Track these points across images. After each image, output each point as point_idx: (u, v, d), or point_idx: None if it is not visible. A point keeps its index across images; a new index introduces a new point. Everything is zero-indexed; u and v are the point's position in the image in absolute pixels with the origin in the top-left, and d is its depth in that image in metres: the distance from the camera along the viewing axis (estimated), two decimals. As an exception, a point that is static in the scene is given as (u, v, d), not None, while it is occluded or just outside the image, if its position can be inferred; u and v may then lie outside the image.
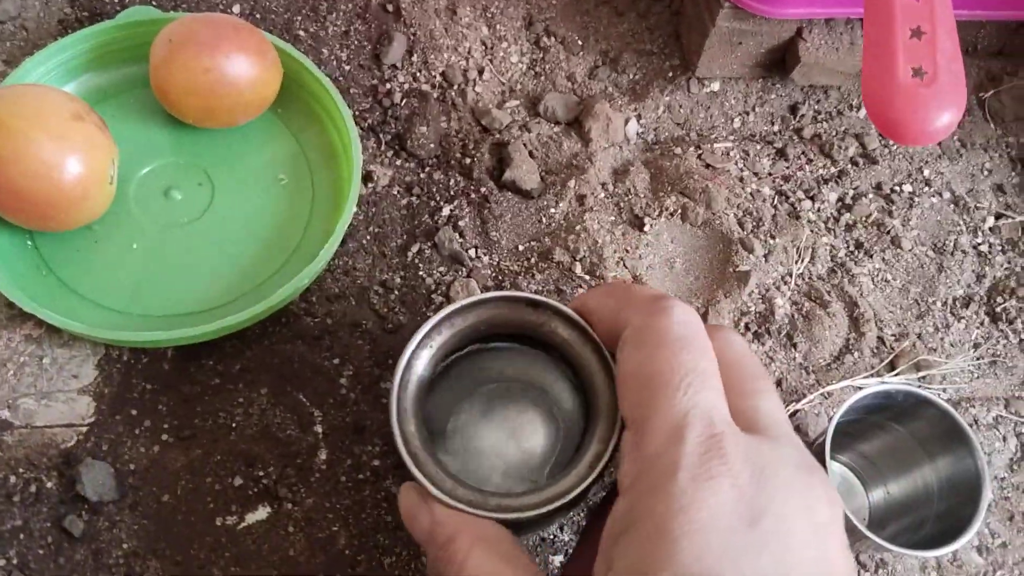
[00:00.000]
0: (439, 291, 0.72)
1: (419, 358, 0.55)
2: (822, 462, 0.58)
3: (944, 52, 0.61)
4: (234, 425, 0.65)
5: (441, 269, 0.73)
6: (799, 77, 0.81)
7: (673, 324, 0.43)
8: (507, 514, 0.48)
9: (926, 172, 0.83)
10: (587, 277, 0.74)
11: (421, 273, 0.72)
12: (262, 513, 0.63)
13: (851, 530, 0.59)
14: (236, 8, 0.81)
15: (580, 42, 0.85)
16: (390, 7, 0.83)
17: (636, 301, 0.46)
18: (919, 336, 0.76)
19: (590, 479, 0.50)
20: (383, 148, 0.78)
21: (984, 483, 0.60)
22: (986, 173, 0.85)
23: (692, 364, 0.41)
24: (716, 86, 0.84)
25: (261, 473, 0.64)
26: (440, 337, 0.56)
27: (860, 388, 0.66)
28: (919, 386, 0.73)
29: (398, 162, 0.78)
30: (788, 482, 0.39)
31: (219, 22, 0.71)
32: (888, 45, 0.61)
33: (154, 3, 0.80)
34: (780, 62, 0.82)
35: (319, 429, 0.66)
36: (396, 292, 0.71)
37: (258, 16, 0.81)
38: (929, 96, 0.61)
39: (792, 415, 0.71)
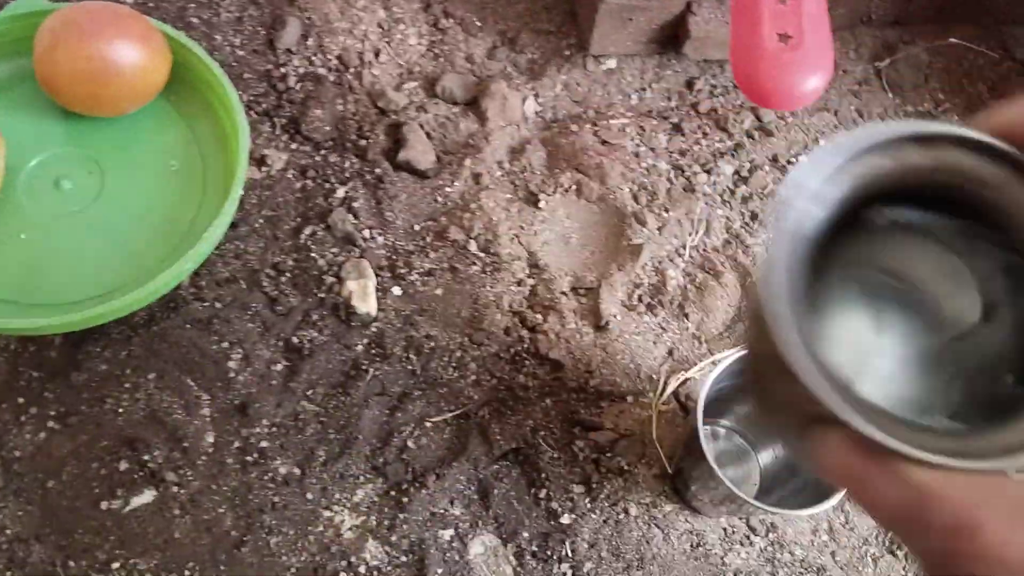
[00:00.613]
0: (331, 272, 0.72)
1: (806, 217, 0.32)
2: (696, 430, 0.59)
3: (810, 17, 0.62)
4: (120, 410, 0.65)
5: (334, 250, 0.73)
6: (691, 52, 0.82)
7: None
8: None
9: (822, 143, 0.84)
10: (482, 254, 0.74)
11: (313, 255, 0.73)
12: (148, 496, 0.63)
13: (730, 497, 0.60)
14: (129, -3, 0.81)
15: (478, 23, 0.86)
16: (284, -8, 0.83)
17: None
18: (813, 304, 0.77)
19: None
20: (278, 132, 0.78)
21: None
22: (883, 142, 0.85)
23: None
24: (612, 63, 0.84)
25: (147, 457, 0.64)
26: (834, 189, 0.32)
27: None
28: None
29: (293, 145, 0.78)
30: None
31: (101, 9, 0.71)
32: (754, 12, 0.62)
33: (45, -6, 0.80)
34: (673, 37, 0.82)
35: (206, 412, 0.66)
36: (287, 274, 0.72)
37: (151, 5, 0.81)
38: (795, 61, 0.61)
39: (683, 383, 0.71)
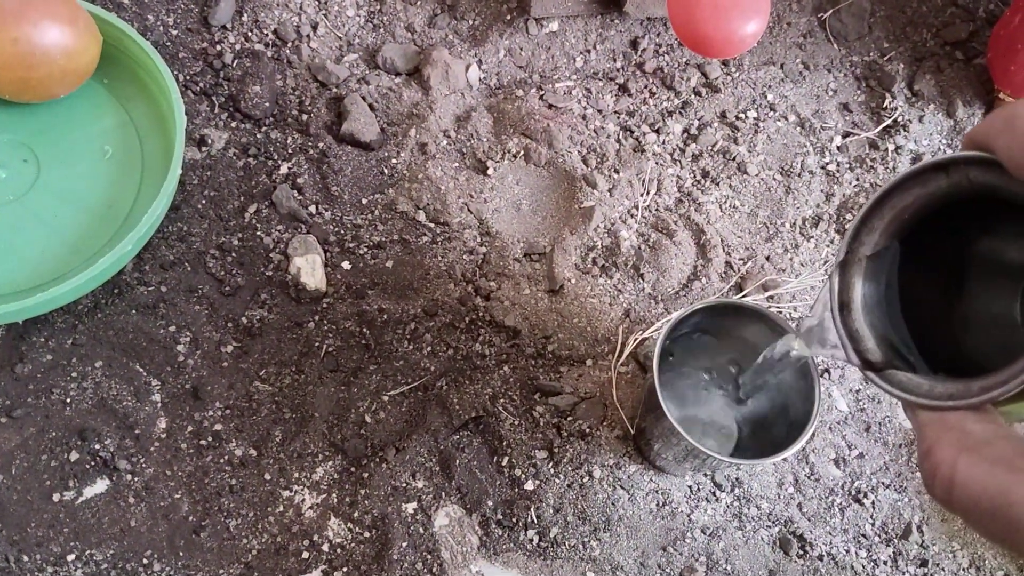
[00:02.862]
0: (277, 250, 0.71)
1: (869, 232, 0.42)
2: (654, 387, 0.59)
3: (747, -35, 0.62)
4: (68, 400, 0.64)
5: (280, 228, 0.72)
6: (633, 9, 0.81)
7: None
8: (995, 391, 0.35)
9: (770, 97, 0.84)
10: (432, 225, 0.73)
11: (259, 234, 0.71)
12: (101, 486, 0.62)
13: (693, 452, 0.59)
14: (56, -20, 0.78)
15: (418, -9, 0.84)
16: (216, -32, 0.81)
17: None
18: (768, 258, 0.77)
19: None
20: (217, 111, 0.76)
21: (815, 388, 0.61)
22: (831, 93, 0.85)
23: None
24: (555, 26, 0.83)
25: (98, 446, 0.62)
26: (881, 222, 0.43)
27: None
28: (767, 305, 0.74)
29: (233, 124, 0.76)
30: None
31: (24, -9, 0.69)
32: (690, -37, 0.61)
33: (-33, -20, 0.77)
34: (613, -3, 0.82)
35: (157, 398, 0.65)
36: (233, 254, 0.70)
37: (79, -14, 0.79)
38: (732, 6, 0.61)
39: (640, 343, 0.71)
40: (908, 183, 0.41)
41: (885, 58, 0.87)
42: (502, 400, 0.67)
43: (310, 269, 0.69)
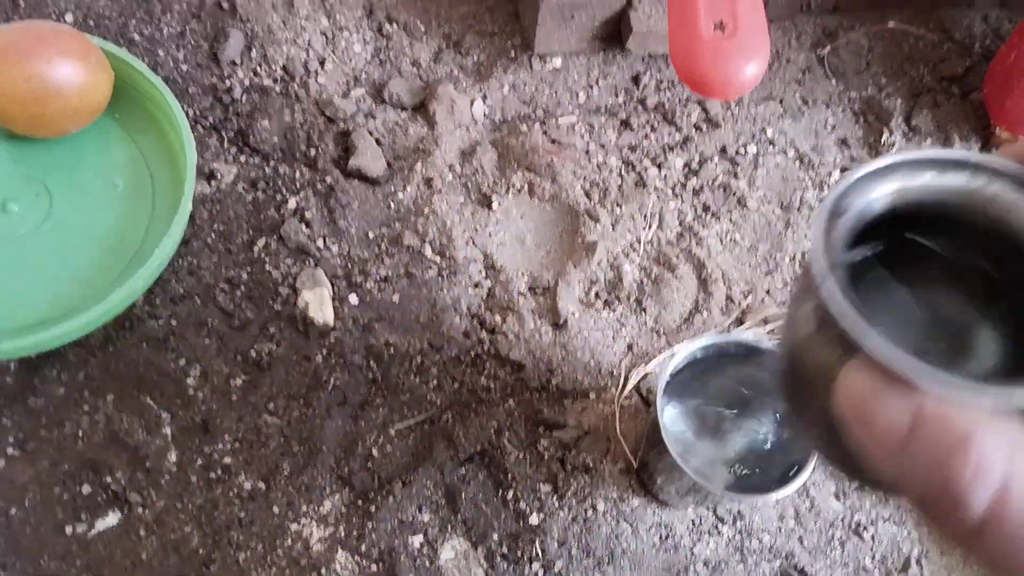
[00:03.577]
0: (286, 283, 0.72)
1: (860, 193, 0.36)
2: (657, 422, 0.60)
3: (744, 4, 0.63)
4: (80, 434, 0.65)
5: (288, 262, 0.73)
6: (635, 47, 0.82)
7: None
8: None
9: (769, 132, 0.85)
10: (437, 258, 0.75)
11: (268, 267, 0.72)
12: (112, 519, 0.63)
13: (695, 487, 0.60)
14: (69, 17, 0.80)
15: (422, 27, 0.86)
16: (225, 5, 0.82)
17: None
18: (768, 292, 0.78)
19: None
20: (226, 145, 0.77)
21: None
22: (830, 128, 0.87)
23: None
24: (558, 62, 0.85)
25: (110, 479, 0.63)
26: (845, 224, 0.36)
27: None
28: (769, 339, 0.75)
29: (242, 158, 0.77)
30: None
31: (38, 28, 0.70)
32: (689, 2, 0.63)
33: (-18, 16, 0.79)
34: (616, 34, 0.83)
35: (168, 431, 0.65)
36: (242, 288, 0.71)
37: (92, 23, 0.80)
38: (732, 48, 0.62)
39: (644, 377, 0.72)
40: (924, 165, 0.36)
41: (883, 93, 0.89)
42: (507, 434, 0.68)
43: (318, 303, 0.70)
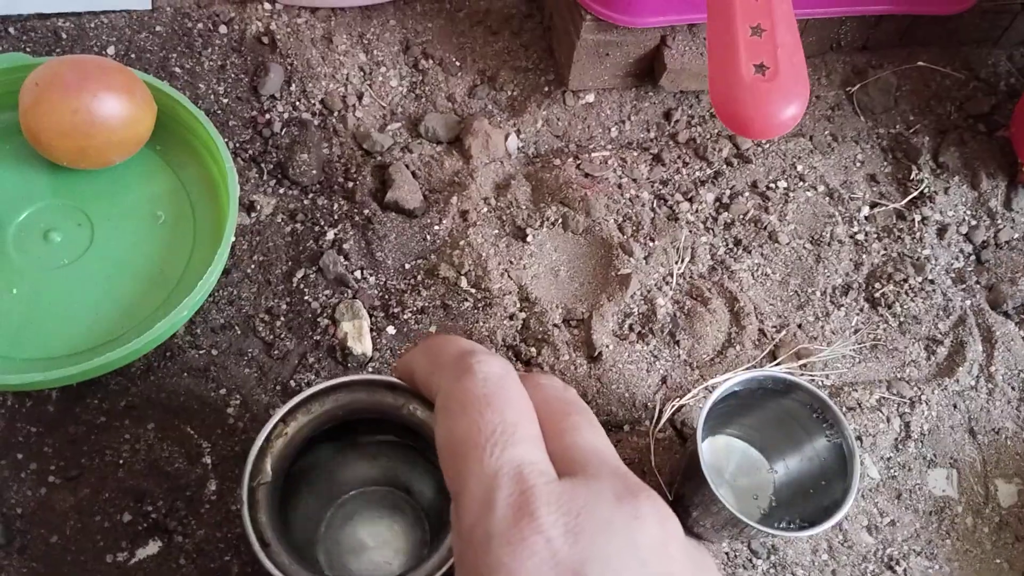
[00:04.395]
0: (324, 314, 0.72)
1: (274, 447, 0.55)
2: (696, 455, 0.60)
3: (785, 47, 0.64)
4: (121, 462, 0.65)
5: (327, 292, 0.74)
6: (668, 84, 0.84)
7: (476, 383, 0.39)
8: None
9: (799, 167, 0.86)
10: (473, 291, 0.75)
11: (307, 298, 0.73)
12: (153, 548, 0.63)
13: (732, 521, 0.61)
14: (111, 50, 0.82)
15: (458, 63, 0.87)
16: (265, 39, 0.84)
17: (443, 363, 0.43)
18: (800, 326, 0.78)
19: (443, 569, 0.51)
20: (265, 177, 0.79)
21: (853, 463, 0.62)
22: (859, 164, 0.88)
23: (497, 421, 0.38)
24: (591, 97, 0.86)
25: (150, 508, 0.64)
26: (296, 423, 0.56)
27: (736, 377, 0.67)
28: (799, 374, 0.75)
29: (281, 190, 0.78)
30: (608, 519, 0.36)
31: (85, 63, 0.71)
32: (730, 44, 0.64)
33: (27, 50, 0.80)
34: (649, 70, 0.84)
35: (208, 460, 0.66)
36: (282, 318, 0.72)
37: (133, 56, 0.82)
38: (772, 90, 0.63)
39: (678, 410, 0.72)
40: (355, 386, 0.57)
41: (911, 131, 0.90)
42: (544, 465, 0.68)
43: (357, 334, 0.71)
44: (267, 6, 0.86)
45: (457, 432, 0.39)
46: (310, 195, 0.79)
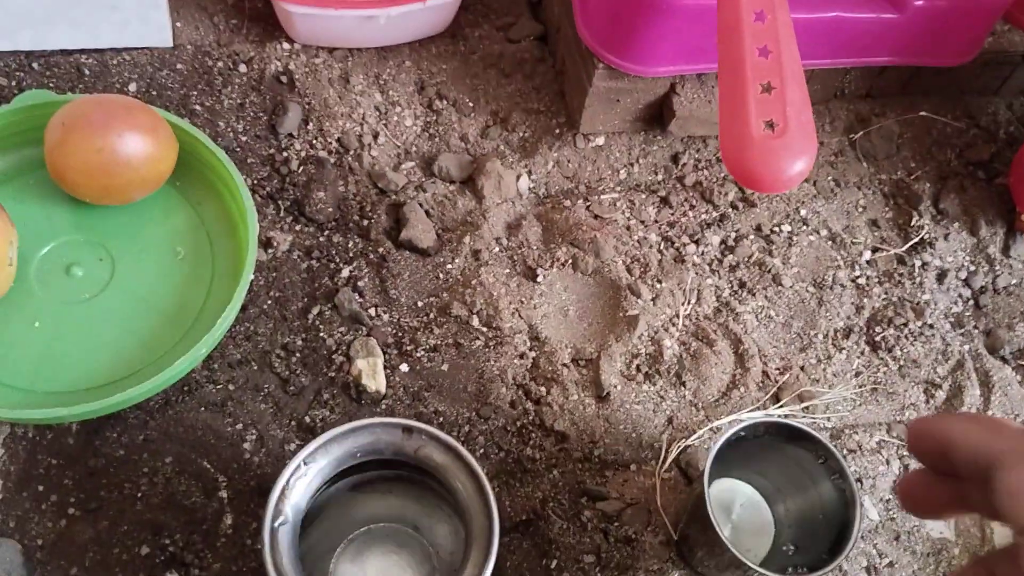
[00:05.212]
0: (340, 351, 0.74)
1: (294, 488, 0.57)
2: (703, 498, 0.62)
3: (793, 104, 0.66)
4: (139, 495, 0.67)
5: (342, 329, 0.75)
6: (676, 129, 0.86)
7: None
8: None
9: (803, 212, 0.88)
10: (484, 329, 0.77)
11: (322, 335, 0.75)
12: (170, 580, 0.64)
13: (735, 562, 0.62)
14: (133, 87, 0.83)
15: (471, 104, 0.89)
16: (284, 79, 0.86)
17: (1012, 430, 0.51)
18: (802, 368, 0.80)
19: None
20: (282, 214, 0.80)
21: (855, 507, 0.64)
22: (861, 209, 0.90)
23: None
24: (601, 140, 0.88)
25: (168, 541, 0.65)
26: (316, 465, 0.58)
27: (743, 421, 0.69)
28: (801, 416, 0.77)
29: (297, 227, 0.80)
30: None
31: (110, 102, 0.73)
32: (741, 101, 0.66)
33: (51, 85, 0.82)
34: (658, 116, 0.86)
35: (224, 494, 0.67)
36: (298, 355, 0.74)
37: (155, 93, 0.83)
38: (781, 147, 0.65)
39: (683, 451, 0.74)
40: (374, 428, 0.59)
41: (912, 177, 0.92)
42: (551, 504, 0.70)
43: (371, 371, 0.72)
44: (286, 46, 0.88)
45: None
46: (326, 232, 0.80)
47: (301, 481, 0.56)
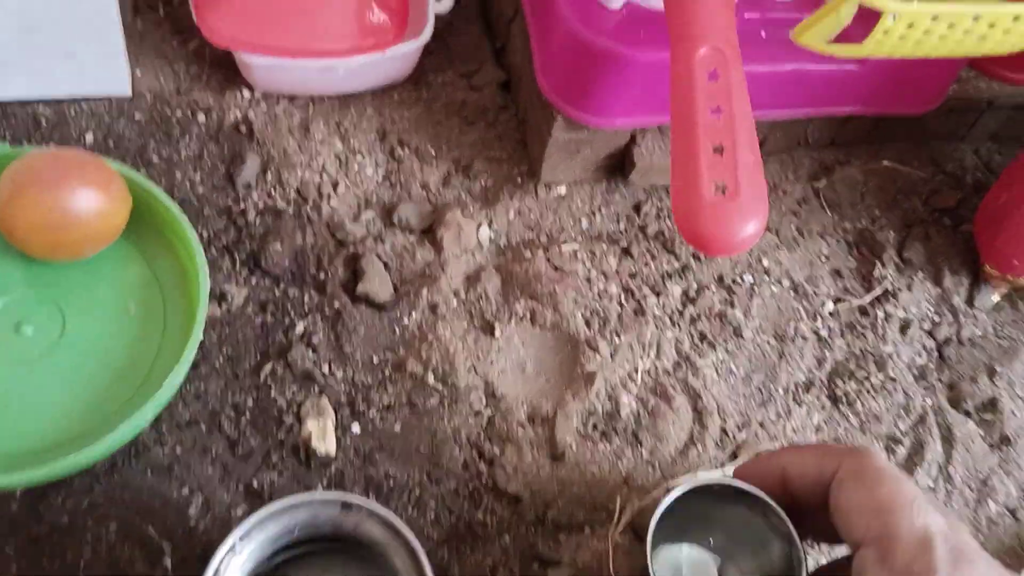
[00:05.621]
0: (291, 411, 0.73)
1: (227, 570, 0.56)
2: (647, 566, 0.61)
3: (745, 166, 0.65)
4: (82, 564, 0.66)
5: (294, 387, 0.74)
6: (637, 179, 0.85)
7: (885, 463, 0.54)
8: None
9: (765, 262, 0.87)
10: (440, 386, 0.76)
11: (274, 394, 0.74)
12: (111, 651, 0.64)
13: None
14: (90, 137, 0.83)
15: (433, 152, 0.89)
16: (243, 128, 0.85)
17: (838, 450, 0.57)
18: (761, 424, 0.80)
19: None
20: (238, 267, 0.80)
21: (802, 570, 0.63)
22: (824, 259, 0.89)
23: (915, 492, 0.51)
24: (563, 189, 0.88)
25: (110, 611, 0.64)
26: (251, 544, 0.57)
27: (693, 481, 0.68)
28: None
29: (253, 280, 0.79)
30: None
31: (63, 158, 0.72)
32: (693, 163, 0.65)
33: (7, 136, 0.81)
34: (620, 165, 0.86)
35: (168, 562, 0.66)
36: (248, 415, 0.73)
37: (112, 143, 0.83)
38: (733, 211, 0.65)
39: (639, 513, 0.73)
40: (312, 504, 0.58)
41: (876, 225, 0.91)
42: (502, 571, 0.69)
43: (321, 433, 0.72)
44: (247, 94, 0.87)
45: (881, 495, 0.52)
46: (282, 285, 0.80)
47: (235, 561, 0.56)
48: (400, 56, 0.86)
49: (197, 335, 0.70)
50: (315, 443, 0.71)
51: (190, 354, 0.70)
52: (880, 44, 0.60)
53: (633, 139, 0.83)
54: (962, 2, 0.60)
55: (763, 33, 0.77)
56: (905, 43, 0.60)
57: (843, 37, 0.64)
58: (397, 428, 0.74)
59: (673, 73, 0.68)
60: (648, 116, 0.80)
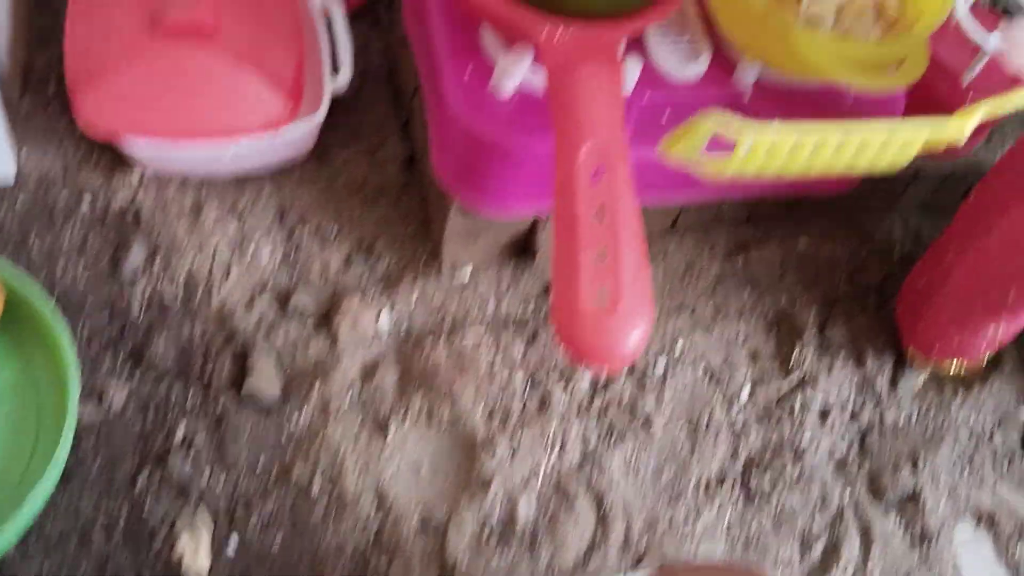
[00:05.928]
0: (166, 522, 0.70)
1: None
2: None
3: (628, 269, 0.62)
4: None
5: (170, 496, 0.71)
6: (543, 262, 0.82)
7: None
8: None
9: (680, 345, 0.84)
10: (326, 497, 0.73)
11: (148, 505, 0.70)
12: None
13: None
14: (-33, 223, 0.79)
15: (335, 231, 0.85)
16: (130, 213, 0.81)
17: (736, 573, 0.60)
18: (670, 523, 0.76)
19: None
20: (119, 364, 0.76)
21: None
22: (741, 341, 0.86)
23: None
24: (468, 272, 0.84)
25: None
26: None
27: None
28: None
29: (136, 377, 0.76)
30: None
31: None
32: (573, 275, 0.61)
33: None
34: (524, 249, 0.82)
35: None
36: (120, 528, 0.69)
37: (-9, 230, 0.79)
38: (614, 323, 0.61)
39: (532, 628, 0.70)
40: None
41: (796, 304, 0.88)
42: None
43: (194, 548, 0.68)
44: (136, 174, 0.83)
45: None
46: (166, 380, 0.76)
47: None
48: (294, 135, 0.82)
49: (63, 453, 0.67)
50: (188, 561, 0.68)
51: (54, 472, 0.66)
52: (745, 164, 0.57)
53: (535, 225, 0.79)
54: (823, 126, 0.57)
55: (664, 119, 0.74)
56: (773, 160, 0.57)
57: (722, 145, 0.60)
58: (277, 545, 0.70)
59: (556, 174, 0.64)
60: (547, 202, 0.76)
